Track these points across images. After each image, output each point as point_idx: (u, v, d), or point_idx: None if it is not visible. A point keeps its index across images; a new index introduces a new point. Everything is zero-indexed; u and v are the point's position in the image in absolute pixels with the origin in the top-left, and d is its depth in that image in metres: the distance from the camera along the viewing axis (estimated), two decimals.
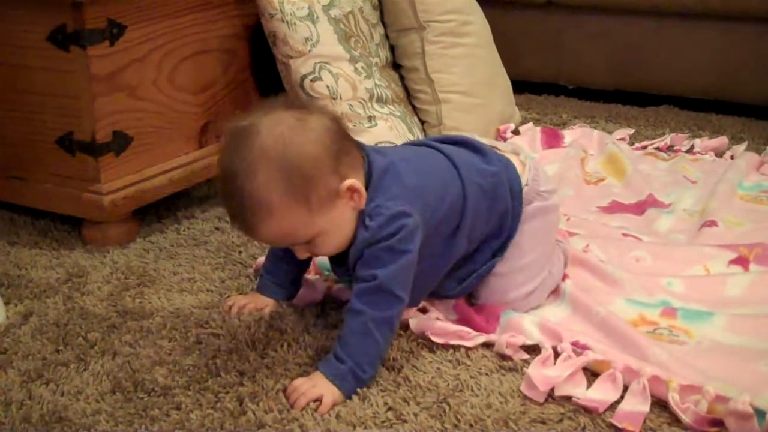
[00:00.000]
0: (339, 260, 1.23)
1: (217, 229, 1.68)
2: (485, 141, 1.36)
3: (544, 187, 1.33)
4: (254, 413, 1.09)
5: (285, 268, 1.35)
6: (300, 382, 1.13)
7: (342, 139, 1.16)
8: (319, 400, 1.10)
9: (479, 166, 1.29)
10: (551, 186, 1.36)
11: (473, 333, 1.24)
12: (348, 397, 1.11)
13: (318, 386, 1.11)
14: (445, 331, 1.24)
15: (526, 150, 1.42)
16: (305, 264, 1.35)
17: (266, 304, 1.34)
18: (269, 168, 1.10)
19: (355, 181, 1.15)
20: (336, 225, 1.16)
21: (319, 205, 1.12)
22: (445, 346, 1.23)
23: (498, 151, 1.34)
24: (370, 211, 1.16)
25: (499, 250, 1.30)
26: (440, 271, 1.26)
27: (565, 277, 1.38)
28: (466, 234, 1.25)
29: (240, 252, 1.56)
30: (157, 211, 1.76)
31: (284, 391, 1.13)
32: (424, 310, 1.31)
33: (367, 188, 1.17)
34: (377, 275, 1.14)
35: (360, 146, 1.21)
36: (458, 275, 1.30)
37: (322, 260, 1.37)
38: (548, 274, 1.34)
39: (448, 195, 1.23)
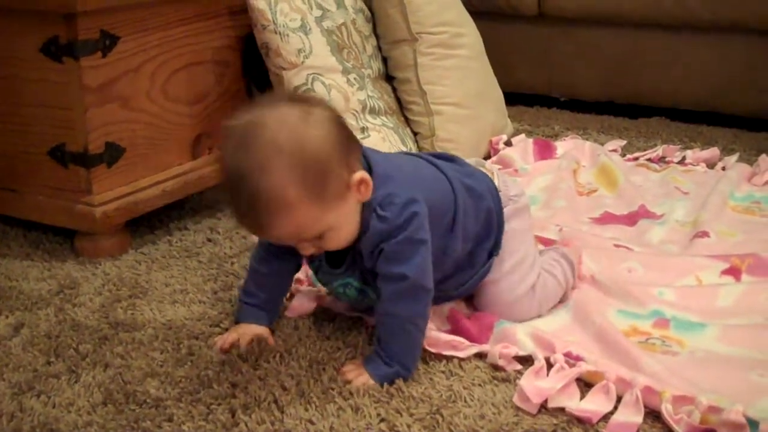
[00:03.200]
0: (336, 260, 1.22)
1: (209, 240, 1.68)
2: None
3: (513, 192, 1.36)
4: (246, 425, 1.08)
5: (268, 288, 1.30)
6: (349, 369, 1.18)
7: (347, 132, 1.15)
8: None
9: (457, 168, 1.31)
10: (518, 189, 1.38)
11: (466, 343, 1.24)
12: None
13: (364, 377, 1.16)
14: (438, 342, 1.24)
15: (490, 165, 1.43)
16: (289, 282, 1.33)
17: (254, 334, 1.27)
18: (285, 164, 1.06)
19: (365, 173, 1.14)
20: (345, 218, 1.14)
21: (331, 199, 1.11)
22: (438, 357, 1.22)
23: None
24: (381, 201, 1.15)
25: (494, 249, 1.31)
26: (442, 271, 1.26)
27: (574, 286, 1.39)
28: (461, 230, 1.25)
29: (232, 263, 1.56)
30: (149, 223, 1.76)
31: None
32: None
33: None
34: (407, 274, 1.15)
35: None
36: (460, 278, 1.30)
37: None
38: (545, 274, 1.35)
39: (439, 188, 1.25)
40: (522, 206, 1.36)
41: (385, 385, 1.15)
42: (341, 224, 1.14)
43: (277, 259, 1.28)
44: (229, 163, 1.09)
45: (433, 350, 1.23)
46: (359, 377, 1.16)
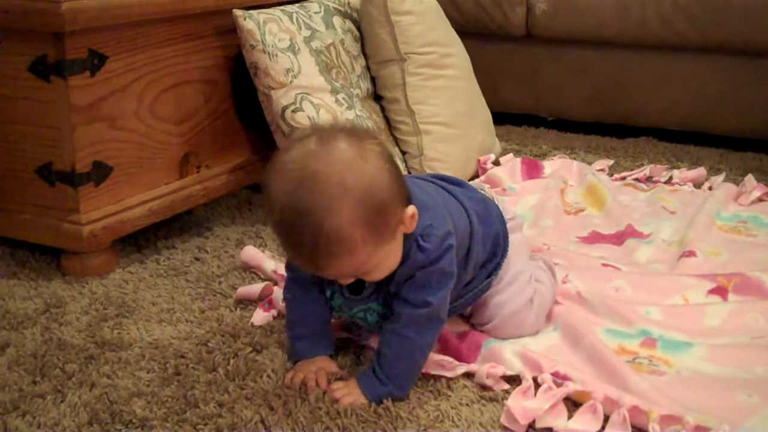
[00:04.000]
0: (357, 287, 1.22)
1: (197, 259, 1.67)
2: None
3: (509, 215, 1.38)
4: None
5: (313, 318, 1.27)
6: (338, 387, 1.17)
7: (396, 165, 1.14)
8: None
9: (468, 194, 1.31)
10: (512, 212, 1.41)
11: (455, 363, 1.24)
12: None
13: (353, 395, 1.16)
14: (427, 361, 1.23)
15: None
16: (327, 307, 1.28)
17: (319, 368, 1.22)
18: (352, 204, 1.04)
19: (414, 208, 1.13)
20: (393, 253, 1.13)
21: (388, 237, 1.10)
22: (426, 376, 1.22)
23: None
24: (422, 232, 1.15)
25: (494, 271, 1.32)
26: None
27: (556, 303, 1.39)
28: (473, 261, 1.26)
29: (220, 282, 1.56)
30: (136, 242, 1.75)
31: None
32: None
33: None
34: (431, 302, 1.16)
35: None
36: (453, 297, 1.29)
37: None
38: (536, 284, 1.36)
39: (461, 221, 1.25)
40: (516, 224, 1.39)
41: (373, 404, 1.15)
42: (389, 258, 1.13)
43: (311, 288, 1.26)
44: (288, 200, 1.06)
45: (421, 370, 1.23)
46: (347, 396, 1.16)
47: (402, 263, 1.16)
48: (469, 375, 1.23)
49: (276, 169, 1.09)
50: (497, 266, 1.32)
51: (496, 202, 1.38)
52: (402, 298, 1.18)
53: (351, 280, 1.16)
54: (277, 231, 1.11)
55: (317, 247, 1.06)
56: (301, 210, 1.05)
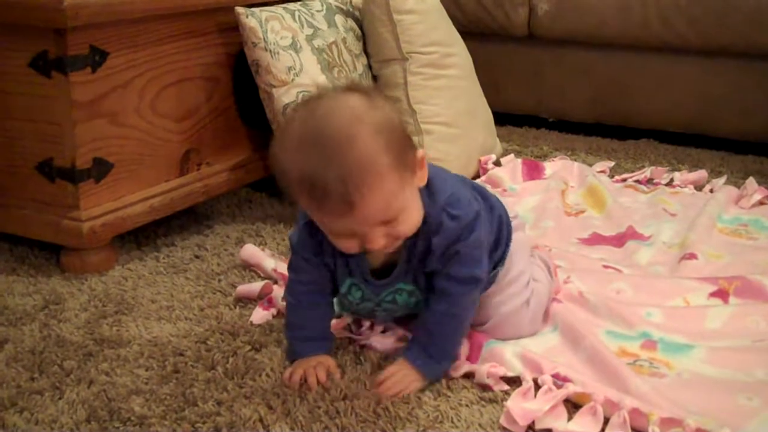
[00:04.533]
0: (384, 271, 1.22)
1: (196, 257, 1.67)
2: None
3: (510, 213, 1.38)
4: None
5: (314, 319, 1.27)
6: (399, 378, 1.18)
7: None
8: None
9: (467, 180, 1.33)
10: (514, 211, 1.41)
11: (458, 361, 1.23)
12: None
13: (415, 383, 1.18)
14: None
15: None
16: (332, 308, 1.29)
17: (319, 363, 1.22)
18: (372, 132, 1.04)
19: (423, 151, 1.13)
20: (414, 199, 1.13)
21: (409, 172, 1.09)
22: None
23: None
24: (447, 200, 1.17)
25: (500, 261, 1.32)
26: None
27: (555, 300, 1.38)
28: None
29: (219, 280, 1.55)
30: (136, 239, 1.75)
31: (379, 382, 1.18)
32: (404, 339, 1.30)
33: None
34: (480, 277, 1.20)
35: None
36: None
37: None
38: (534, 285, 1.35)
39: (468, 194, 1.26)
40: (519, 224, 1.39)
41: (372, 404, 1.15)
42: (412, 205, 1.12)
43: (315, 290, 1.26)
44: (305, 148, 1.04)
45: None
46: (407, 387, 1.17)
47: (436, 234, 1.16)
48: (469, 375, 1.23)
49: (285, 132, 1.09)
50: (502, 257, 1.32)
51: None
52: (447, 274, 1.18)
53: (383, 241, 1.10)
54: (299, 188, 1.06)
55: (347, 180, 1.02)
56: (322, 148, 1.03)
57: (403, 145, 1.09)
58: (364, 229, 1.09)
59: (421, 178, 1.15)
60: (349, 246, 1.12)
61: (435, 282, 1.20)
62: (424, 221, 1.16)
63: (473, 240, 1.18)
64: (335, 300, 1.31)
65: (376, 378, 1.19)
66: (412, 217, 1.12)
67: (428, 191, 1.18)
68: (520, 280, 1.33)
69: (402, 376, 1.18)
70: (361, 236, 1.10)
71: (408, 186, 1.10)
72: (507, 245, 1.33)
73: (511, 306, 1.31)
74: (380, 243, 1.10)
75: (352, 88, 1.12)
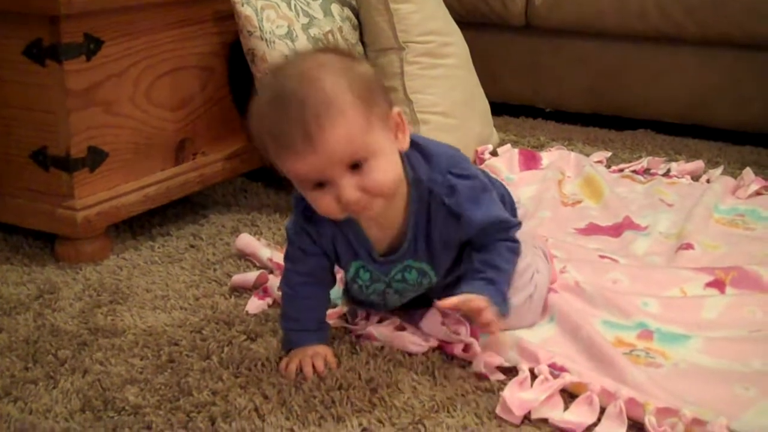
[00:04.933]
0: (391, 248, 1.21)
1: (192, 246, 1.66)
2: None
3: (515, 201, 1.37)
4: None
5: (309, 310, 1.26)
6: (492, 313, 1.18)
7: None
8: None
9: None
10: (516, 197, 1.41)
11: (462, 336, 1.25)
12: None
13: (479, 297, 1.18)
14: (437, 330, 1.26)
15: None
16: (328, 298, 1.29)
17: (315, 353, 1.22)
18: (334, 72, 1.07)
19: (401, 110, 1.14)
20: (389, 151, 1.10)
21: (376, 119, 1.08)
22: (423, 366, 1.22)
23: None
24: (449, 164, 1.18)
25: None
26: None
27: (551, 290, 1.38)
28: None
29: (215, 270, 1.55)
30: (131, 228, 1.74)
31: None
32: (401, 329, 1.30)
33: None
34: (515, 238, 1.23)
35: None
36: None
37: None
38: (537, 277, 1.35)
39: None
40: (523, 213, 1.39)
41: (368, 393, 1.14)
42: (385, 155, 1.09)
43: (312, 282, 1.26)
44: (271, 90, 1.08)
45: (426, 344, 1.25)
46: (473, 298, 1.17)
47: (451, 196, 1.17)
48: (464, 365, 1.22)
49: (258, 94, 1.11)
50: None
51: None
52: (488, 234, 1.20)
53: (357, 193, 1.07)
54: (269, 140, 1.08)
55: (306, 115, 1.04)
56: (287, 96, 1.05)
57: (371, 91, 1.09)
58: (331, 173, 1.07)
59: (403, 141, 1.14)
60: (327, 204, 1.09)
61: (470, 250, 1.22)
62: (430, 191, 1.17)
63: (474, 184, 1.19)
64: (341, 292, 1.31)
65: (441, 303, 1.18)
66: (384, 168, 1.09)
67: (423, 157, 1.18)
68: (525, 274, 1.32)
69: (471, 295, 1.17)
70: (332, 186, 1.08)
71: (378, 133, 1.08)
72: (513, 215, 1.32)
73: (516, 300, 1.29)
74: (353, 194, 1.07)
75: (328, 48, 1.17)
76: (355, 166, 1.07)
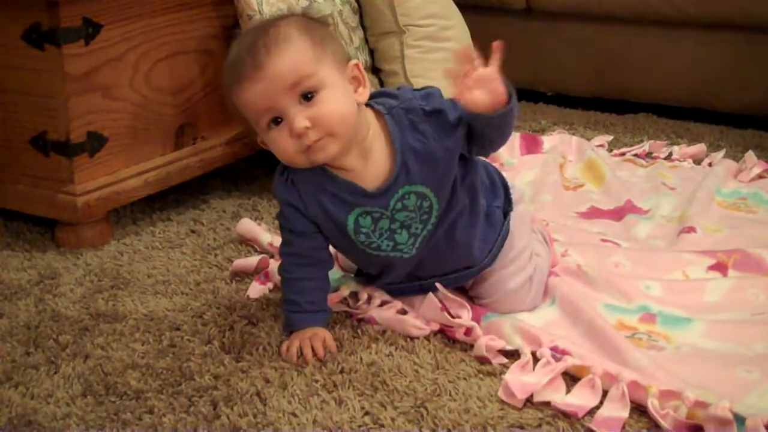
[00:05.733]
0: (378, 192, 1.20)
1: (192, 231, 1.66)
2: None
3: (509, 184, 1.37)
4: (228, 417, 1.07)
5: (310, 292, 1.26)
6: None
7: None
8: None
9: None
10: (510, 182, 1.40)
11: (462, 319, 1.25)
12: None
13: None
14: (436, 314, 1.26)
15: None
16: (327, 281, 1.29)
17: (314, 335, 1.22)
18: (292, 22, 1.15)
19: (359, 63, 1.19)
20: (341, 89, 1.15)
21: (328, 58, 1.14)
22: (425, 350, 1.21)
23: None
24: (420, 93, 1.21)
25: (507, 206, 1.32)
26: (471, 225, 1.27)
27: (552, 273, 1.38)
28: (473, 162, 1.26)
29: (216, 255, 1.54)
30: (132, 213, 1.74)
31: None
32: (402, 312, 1.29)
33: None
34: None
35: None
36: (487, 242, 1.29)
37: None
38: (536, 259, 1.35)
39: None
40: (519, 197, 1.38)
41: (370, 377, 1.14)
42: (335, 89, 1.14)
43: (308, 263, 1.26)
44: (236, 43, 1.18)
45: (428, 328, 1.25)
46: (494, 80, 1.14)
47: (425, 100, 1.19)
48: (466, 348, 1.22)
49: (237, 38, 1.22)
50: (508, 201, 1.33)
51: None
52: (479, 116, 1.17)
53: (306, 123, 1.11)
54: (228, 70, 1.16)
55: (257, 46, 1.12)
56: (247, 34, 1.18)
57: (323, 37, 1.16)
58: (282, 101, 1.12)
59: (363, 94, 1.18)
60: (285, 143, 1.14)
61: (471, 138, 1.21)
62: (406, 110, 1.19)
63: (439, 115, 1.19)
64: (342, 276, 1.32)
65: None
66: (336, 101, 1.13)
67: (389, 96, 1.22)
68: (522, 256, 1.32)
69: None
70: (283, 117, 1.13)
71: (329, 70, 1.14)
72: (506, 191, 1.33)
73: (515, 283, 1.30)
74: (302, 122, 1.11)
75: (293, 13, 1.21)
76: (306, 98, 1.12)
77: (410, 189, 1.21)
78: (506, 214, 1.33)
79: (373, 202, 1.21)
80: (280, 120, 1.13)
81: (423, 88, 1.23)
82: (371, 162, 1.20)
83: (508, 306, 1.30)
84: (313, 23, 1.19)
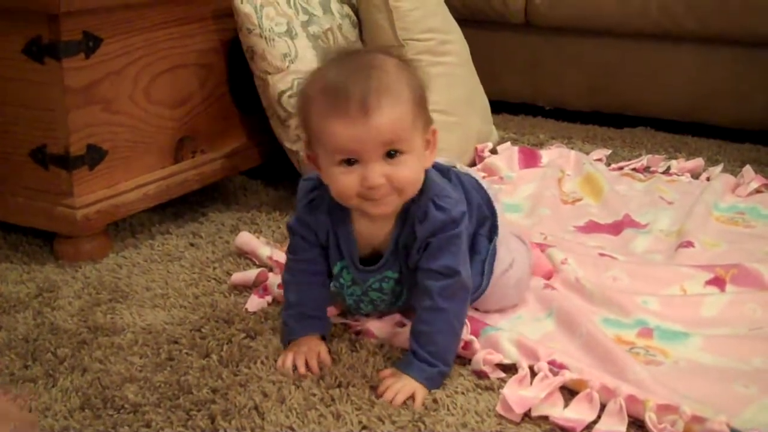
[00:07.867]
0: (371, 261, 1.23)
1: (191, 245, 1.66)
2: None
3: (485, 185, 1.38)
4: (226, 431, 1.07)
5: (308, 299, 1.27)
6: (392, 381, 1.14)
7: None
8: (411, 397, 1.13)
9: (450, 170, 1.33)
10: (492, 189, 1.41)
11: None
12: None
13: (409, 385, 1.14)
14: None
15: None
16: (327, 293, 1.30)
17: (309, 350, 1.22)
18: (398, 68, 1.13)
19: (437, 132, 1.19)
20: (419, 157, 1.15)
21: (420, 124, 1.14)
22: None
23: None
24: (437, 193, 1.19)
25: (493, 231, 1.32)
26: None
27: (549, 286, 1.38)
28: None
29: (214, 268, 1.55)
30: (131, 226, 1.74)
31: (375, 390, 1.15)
32: (400, 325, 1.30)
33: None
34: (459, 271, 1.17)
35: None
36: (473, 269, 1.29)
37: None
38: (515, 246, 1.36)
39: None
40: (500, 209, 1.38)
41: (368, 391, 1.14)
42: (416, 157, 1.14)
43: (313, 271, 1.27)
44: (339, 67, 1.13)
45: None
46: (401, 393, 1.13)
47: (422, 222, 1.17)
48: (464, 363, 1.22)
49: (317, 70, 1.18)
50: (494, 227, 1.32)
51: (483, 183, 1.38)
52: (427, 269, 1.18)
53: (382, 180, 1.11)
54: (321, 96, 1.12)
55: (369, 89, 1.08)
56: (353, 68, 1.12)
57: (423, 98, 1.15)
58: (369, 151, 1.10)
59: (429, 159, 1.18)
60: (346, 183, 1.13)
61: (418, 280, 1.20)
62: (408, 210, 1.19)
63: (453, 234, 1.18)
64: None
65: (378, 388, 1.16)
66: (413, 167, 1.14)
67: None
68: (503, 260, 1.33)
69: (396, 382, 1.15)
70: (361, 166, 1.11)
71: (417, 136, 1.14)
72: (494, 218, 1.33)
73: (497, 270, 1.31)
74: (378, 179, 1.11)
75: (385, 50, 1.21)
76: (389, 156, 1.11)
77: (391, 275, 1.24)
78: (491, 239, 1.32)
79: (356, 270, 1.25)
80: (354, 161, 1.12)
81: (435, 203, 1.19)
82: (378, 225, 1.22)
83: (494, 298, 1.33)
84: (414, 72, 1.16)
